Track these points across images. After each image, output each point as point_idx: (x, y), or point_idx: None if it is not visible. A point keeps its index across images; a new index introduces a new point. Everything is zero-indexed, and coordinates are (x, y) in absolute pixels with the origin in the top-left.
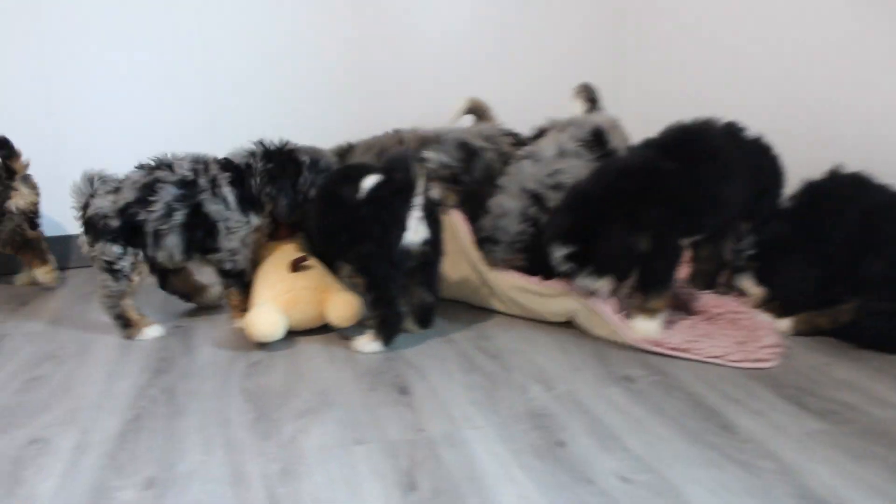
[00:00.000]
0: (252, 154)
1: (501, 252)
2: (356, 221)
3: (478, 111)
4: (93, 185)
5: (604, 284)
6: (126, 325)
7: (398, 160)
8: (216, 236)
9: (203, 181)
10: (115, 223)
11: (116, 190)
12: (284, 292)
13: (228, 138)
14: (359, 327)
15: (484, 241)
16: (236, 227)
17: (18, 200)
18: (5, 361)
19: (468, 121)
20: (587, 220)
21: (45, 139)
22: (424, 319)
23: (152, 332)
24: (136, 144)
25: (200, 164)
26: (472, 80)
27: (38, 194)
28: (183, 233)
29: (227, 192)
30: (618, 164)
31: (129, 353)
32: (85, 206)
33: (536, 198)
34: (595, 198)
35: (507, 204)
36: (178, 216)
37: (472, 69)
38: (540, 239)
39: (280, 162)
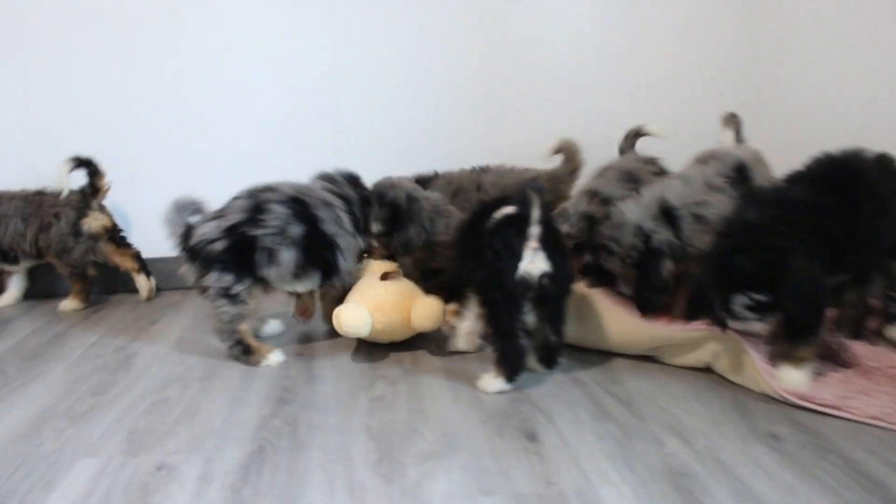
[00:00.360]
0: (334, 180)
1: (615, 264)
2: (475, 248)
3: (567, 152)
4: (184, 212)
5: (764, 324)
6: (247, 351)
7: (518, 190)
8: (335, 252)
9: (312, 200)
10: (220, 246)
11: (220, 216)
12: (372, 297)
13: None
14: (484, 364)
15: (599, 249)
16: (350, 246)
17: (92, 223)
18: (134, 382)
19: (555, 161)
20: (770, 262)
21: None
22: (549, 359)
23: (276, 357)
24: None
25: (302, 187)
26: (604, 107)
27: (110, 218)
28: (300, 247)
29: (341, 213)
30: (782, 198)
31: (252, 379)
32: (185, 236)
33: (670, 216)
34: (773, 236)
35: (628, 213)
36: (295, 230)
37: (603, 96)
38: (654, 259)
39: (360, 187)
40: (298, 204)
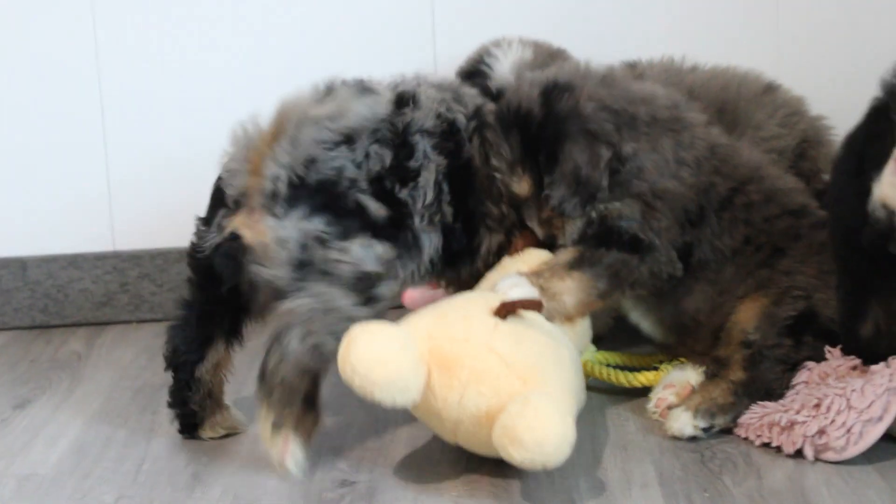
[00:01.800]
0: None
1: None
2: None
3: None
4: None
5: None
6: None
7: None
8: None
9: (463, 120)
10: (375, 202)
11: (349, 139)
12: (445, 337)
13: None
14: None
15: None
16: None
17: None
18: None
19: None
20: None
21: None
22: None
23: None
24: None
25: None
26: None
27: None
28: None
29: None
30: None
31: None
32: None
33: None
34: None
35: None
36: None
37: None
38: None
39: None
40: (448, 135)
